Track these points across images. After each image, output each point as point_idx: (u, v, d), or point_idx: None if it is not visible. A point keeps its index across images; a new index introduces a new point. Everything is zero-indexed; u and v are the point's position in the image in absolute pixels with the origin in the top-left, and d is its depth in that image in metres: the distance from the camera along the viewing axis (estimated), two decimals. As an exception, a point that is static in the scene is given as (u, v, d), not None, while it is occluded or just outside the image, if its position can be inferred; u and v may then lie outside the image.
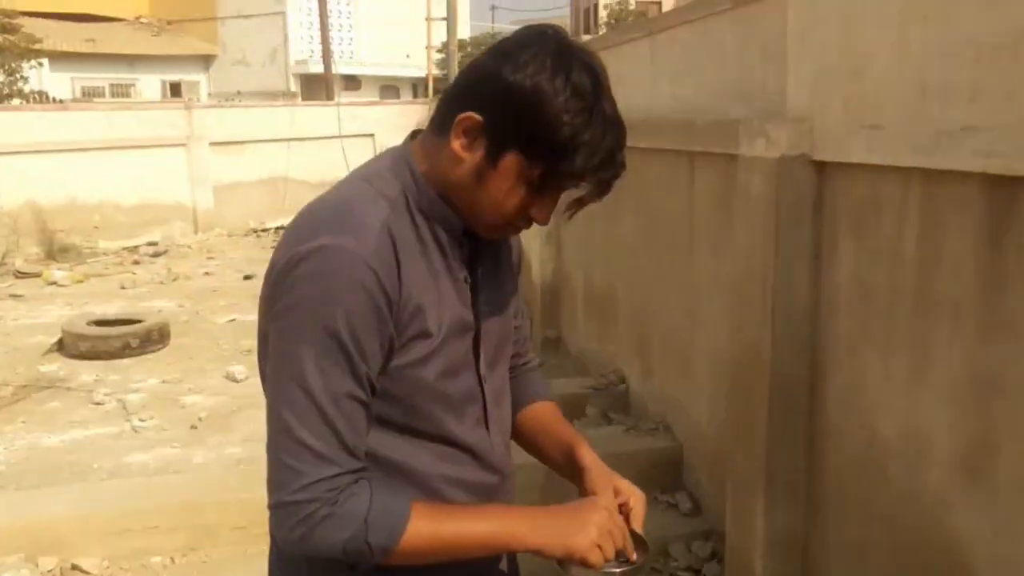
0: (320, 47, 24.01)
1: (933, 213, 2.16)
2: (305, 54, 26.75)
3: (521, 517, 1.20)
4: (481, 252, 1.28)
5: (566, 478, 1.43)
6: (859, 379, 2.54)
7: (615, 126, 1.13)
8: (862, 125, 2.37)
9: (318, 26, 25.41)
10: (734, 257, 3.13)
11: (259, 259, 11.88)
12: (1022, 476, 1.90)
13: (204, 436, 5.03)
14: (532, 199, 1.16)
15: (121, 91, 24.79)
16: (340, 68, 20.37)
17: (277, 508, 1.13)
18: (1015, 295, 1.89)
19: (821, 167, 2.64)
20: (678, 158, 3.95)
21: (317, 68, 25.55)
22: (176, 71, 26.51)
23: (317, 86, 26.02)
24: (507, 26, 36.53)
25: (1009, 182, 1.86)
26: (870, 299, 2.47)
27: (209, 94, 26.50)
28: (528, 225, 1.22)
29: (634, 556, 1.23)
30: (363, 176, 1.25)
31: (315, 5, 26.76)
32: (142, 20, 27.15)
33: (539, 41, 1.13)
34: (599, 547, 1.17)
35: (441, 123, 1.19)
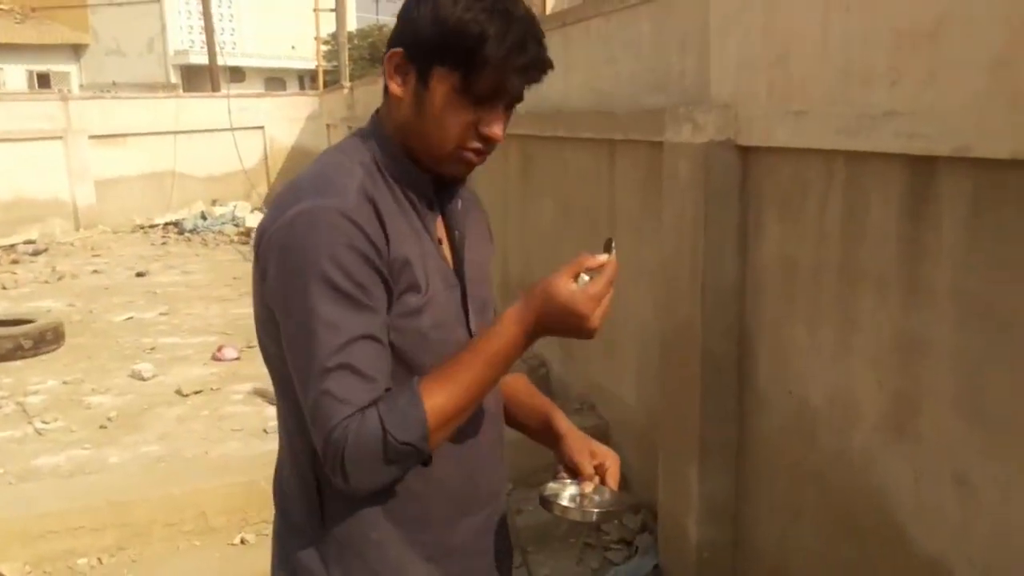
0: (201, 37, 23.21)
1: (857, 192, 2.33)
2: (185, 44, 25.80)
3: (513, 322, 1.21)
4: (454, 218, 1.35)
5: (541, 444, 1.51)
6: (787, 350, 2.70)
7: (519, 20, 1.20)
8: (787, 111, 2.53)
9: (198, 15, 24.53)
10: (661, 240, 3.26)
11: (150, 256, 11.47)
12: (941, 427, 2.08)
13: (116, 436, 4.85)
14: (474, 113, 1.22)
15: (-18, 81, 23.28)
16: (224, 59, 19.70)
17: (324, 462, 1.16)
18: (934, 265, 2.07)
19: (746, 151, 2.79)
20: (597, 147, 4.06)
21: (198, 59, 24.70)
22: (44, 61, 25.05)
23: (199, 77, 25.13)
24: (391, 18, 36.09)
25: (928, 161, 2.03)
26: (796, 275, 2.63)
27: (81, 85, 25.15)
28: (485, 144, 1.25)
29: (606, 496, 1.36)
30: (338, 148, 1.32)
31: (194, -7, 25.86)
32: (3, 6, 25.50)
33: None
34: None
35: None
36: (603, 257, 1.22)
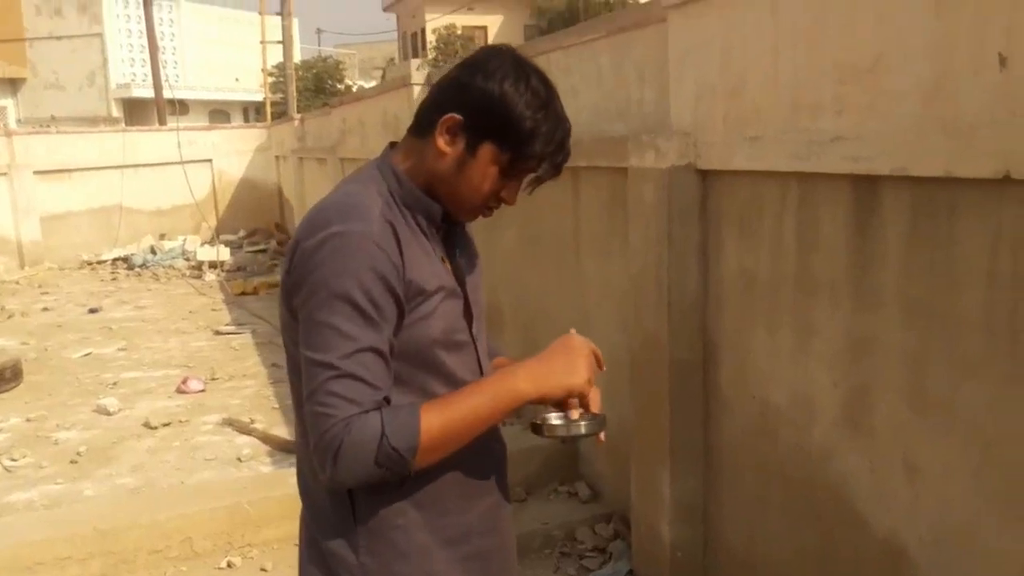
0: (143, 70, 23.03)
1: (809, 209, 2.57)
2: (127, 77, 25.52)
3: (515, 375, 1.42)
4: (455, 240, 1.56)
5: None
6: (748, 357, 2.93)
7: (564, 121, 1.46)
8: (743, 137, 2.77)
9: (140, 48, 24.37)
10: (627, 259, 3.48)
11: (100, 292, 11.35)
12: (891, 419, 2.32)
13: (88, 470, 4.86)
14: (503, 183, 1.45)
15: (-87, 117, 22.70)
16: (167, 92, 19.58)
17: (315, 452, 1.30)
18: (880, 272, 2.31)
19: (706, 174, 3.04)
20: (562, 174, 4.27)
21: (141, 92, 24.47)
22: (-21, 95, 24.57)
23: (141, 111, 24.87)
24: (333, 49, 36.34)
25: (872, 180, 2.28)
26: (755, 286, 2.86)
27: (19, 120, 24.68)
28: (498, 206, 1.51)
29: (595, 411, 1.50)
30: (355, 180, 1.50)
31: (135, 27, 25.64)
32: (-64, 41, 24.98)
33: (500, 55, 1.45)
34: (589, 380, 1.44)
35: (420, 127, 1.47)
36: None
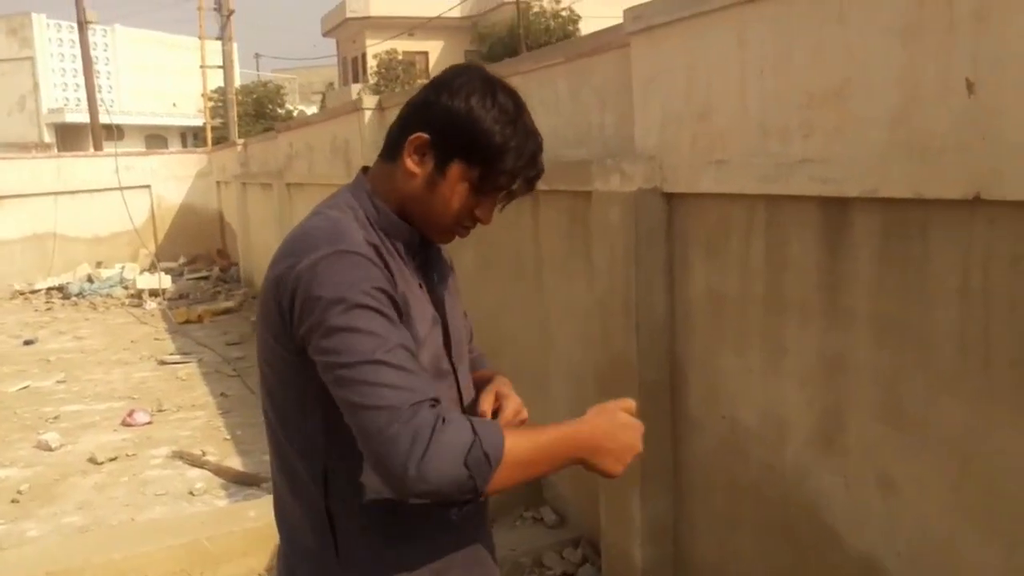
0: (76, 94, 22.48)
1: (777, 230, 2.62)
2: (60, 102, 24.92)
3: (582, 436, 1.36)
4: (431, 264, 1.53)
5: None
6: (718, 376, 2.95)
7: (534, 135, 1.42)
8: (709, 161, 2.81)
9: (72, 73, 23.81)
10: (591, 280, 3.49)
11: (35, 323, 10.97)
12: (865, 436, 2.36)
13: (31, 509, 4.67)
14: (475, 200, 1.42)
15: None
16: (103, 117, 19.14)
17: (388, 442, 1.18)
18: (851, 290, 2.36)
19: (671, 197, 3.07)
20: (521, 198, 4.28)
21: (74, 117, 23.90)
22: (-98, 121, 23.70)
23: (75, 136, 24.27)
24: (271, 74, 36.05)
25: (842, 202, 2.33)
26: (723, 306, 2.89)
27: (-56, 146, 23.85)
28: (473, 225, 1.47)
29: None
30: (330, 206, 1.45)
31: (68, 51, 25.06)
32: None
33: (466, 73, 1.43)
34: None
35: (390, 150, 1.45)
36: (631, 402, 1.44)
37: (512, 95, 1.41)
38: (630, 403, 1.45)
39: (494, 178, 1.39)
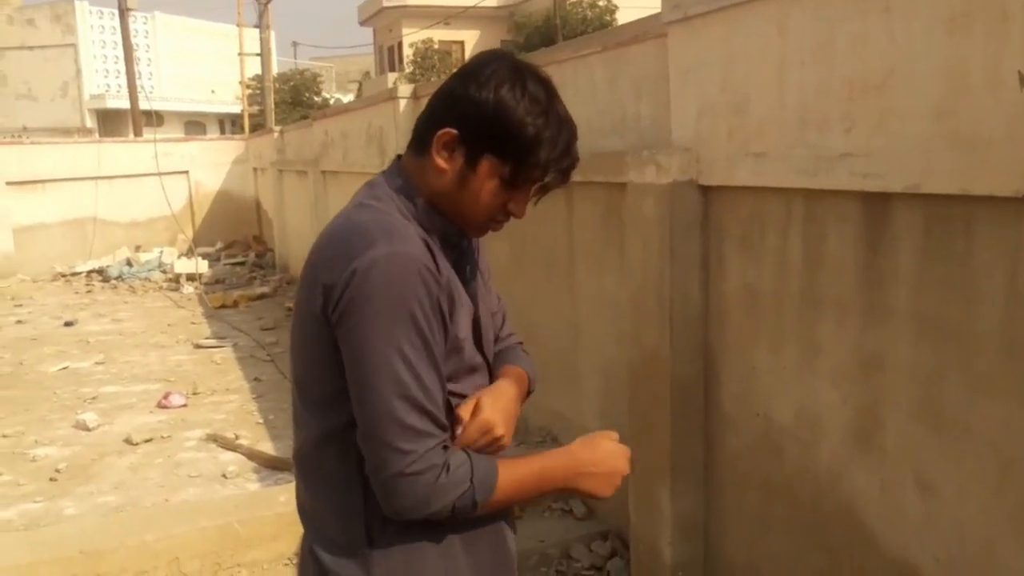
0: (117, 81, 22.79)
1: (815, 225, 2.56)
2: (101, 88, 25.29)
3: (568, 466, 1.43)
4: (465, 258, 1.50)
5: None
6: (751, 373, 2.91)
7: (567, 124, 1.38)
8: (746, 153, 2.76)
9: (114, 59, 24.14)
10: (624, 274, 3.46)
11: (75, 304, 11.16)
12: (905, 437, 2.30)
13: (68, 487, 4.75)
14: (508, 194, 1.39)
15: None
16: (142, 103, 19.39)
17: (395, 481, 1.27)
18: (892, 288, 2.30)
19: (707, 190, 3.02)
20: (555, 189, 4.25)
21: (115, 103, 24.25)
22: (-52, 106, 24.21)
23: (115, 122, 24.63)
24: (308, 62, 36.27)
25: (883, 197, 2.27)
26: (758, 302, 2.85)
27: (-11, 130, 24.34)
28: (507, 218, 1.44)
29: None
30: (374, 196, 1.42)
31: (109, 37, 25.41)
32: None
33: (495, 61, 1.37)
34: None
35: (419, 144, 1.41)
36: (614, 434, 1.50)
37: (543, 82, 1.36)
38: (614, 435, 1.49)
39: (527, 171, 1.35)
